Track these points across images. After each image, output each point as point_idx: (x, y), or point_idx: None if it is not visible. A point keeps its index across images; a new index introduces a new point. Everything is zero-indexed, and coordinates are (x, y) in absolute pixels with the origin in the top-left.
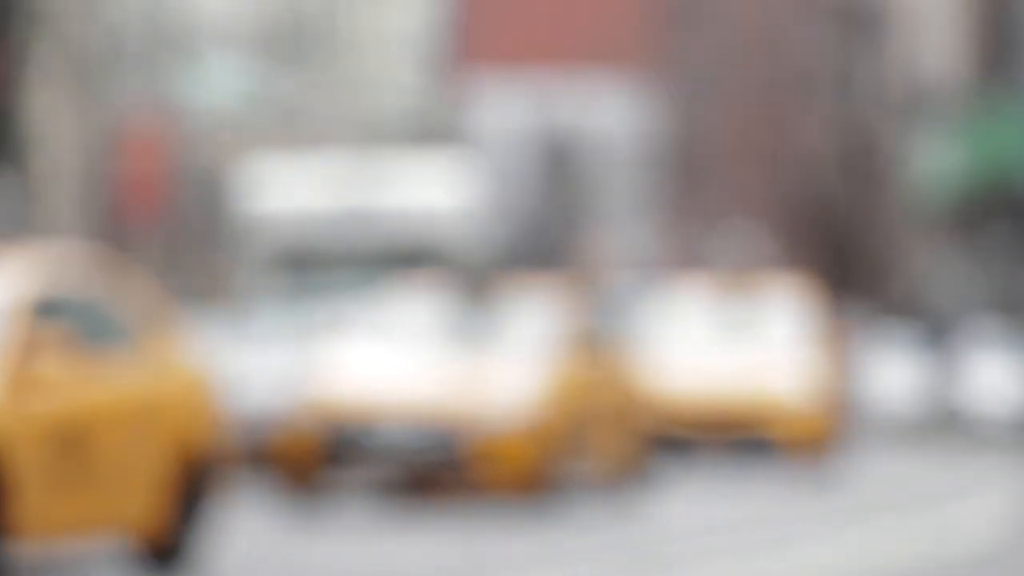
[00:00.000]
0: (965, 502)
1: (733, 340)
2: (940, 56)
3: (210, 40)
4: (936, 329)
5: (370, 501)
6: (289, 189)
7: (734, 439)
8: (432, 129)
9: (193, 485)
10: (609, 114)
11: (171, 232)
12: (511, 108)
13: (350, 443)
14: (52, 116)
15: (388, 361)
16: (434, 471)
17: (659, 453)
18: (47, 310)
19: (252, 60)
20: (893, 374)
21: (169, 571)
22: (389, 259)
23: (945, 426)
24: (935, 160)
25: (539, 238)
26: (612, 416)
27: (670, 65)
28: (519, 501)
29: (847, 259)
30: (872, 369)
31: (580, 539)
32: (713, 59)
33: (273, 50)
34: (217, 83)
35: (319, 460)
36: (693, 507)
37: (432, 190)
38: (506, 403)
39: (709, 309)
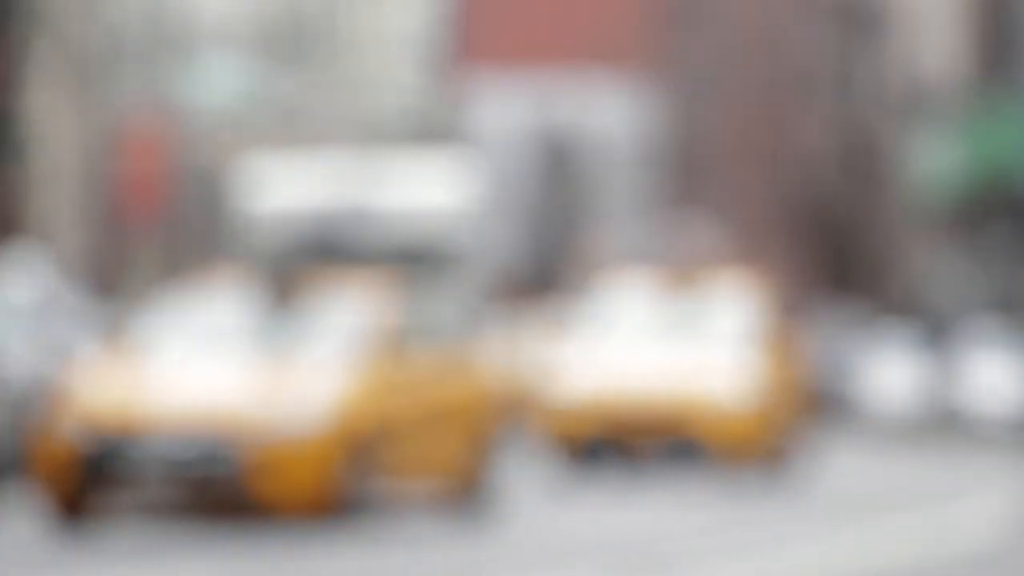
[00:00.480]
0: (965, 502)
1: (672, 338)
2: (940, 56)
3: (210, 40)
4: (936, 329)
5: (137, 523)
6: (289, 189)
7: (660, 441)
8: (432, 129)
9: None
10: (609, 114)
11: (171, 232)
12: (511, 108)
13: (114, 457)
14: (52, 116)
15: (166, 363)
16: (210, 487)
17: (586, 455)
18: None
19: (252, 60)
20: (893, 374)
21: None
22: (389, 259)
23: (945, 426)
24: (935, 160)
25: (539, 238)
26: (442, 422)
27: (670, 65)
28: (313, 518)
29: (847, 259)
30: (872, 369)
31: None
32: (713, 59)
33: (273, 50)
34: (217, 83)
35: (80, 477)
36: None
37: (432, 190)
38: (297, 410)
39: (651, 305)
